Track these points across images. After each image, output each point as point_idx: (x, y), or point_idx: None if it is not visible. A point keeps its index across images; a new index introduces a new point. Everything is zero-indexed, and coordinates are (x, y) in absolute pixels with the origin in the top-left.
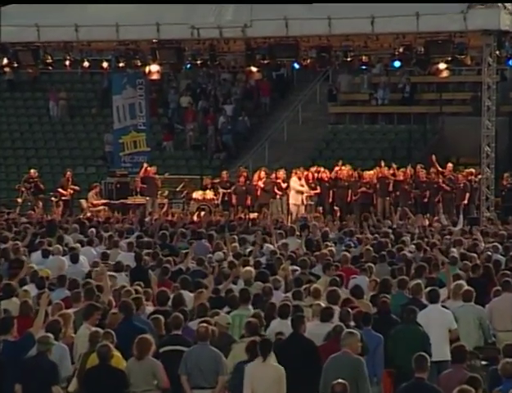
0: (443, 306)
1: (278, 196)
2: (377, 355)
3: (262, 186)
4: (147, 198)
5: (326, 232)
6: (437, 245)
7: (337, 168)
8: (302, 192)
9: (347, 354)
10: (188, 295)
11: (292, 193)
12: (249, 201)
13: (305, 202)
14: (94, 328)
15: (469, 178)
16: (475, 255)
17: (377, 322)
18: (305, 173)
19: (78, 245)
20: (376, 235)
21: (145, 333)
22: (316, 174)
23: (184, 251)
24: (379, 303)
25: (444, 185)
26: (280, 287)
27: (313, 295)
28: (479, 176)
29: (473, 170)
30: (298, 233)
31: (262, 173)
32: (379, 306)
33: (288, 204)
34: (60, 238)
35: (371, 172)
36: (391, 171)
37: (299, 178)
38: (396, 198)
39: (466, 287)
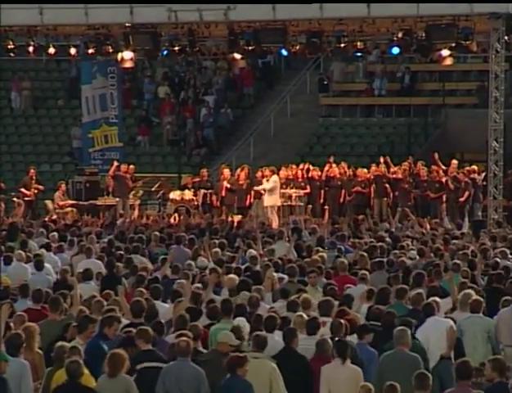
0: (449, 318)
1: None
2: (369, 373)
3: (227, 186)
4: (117, 199)
5: (322, 236)
6: (441, 250)
7: (326, 167)
8: (271, 190)
9: (402, 352)
10: (162, 306)
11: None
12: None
13: (293, 203)
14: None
15: (472, 176)
16: (483, 261)
17: (380, 335)
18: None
19: (44, 250)
20: (372, 239)
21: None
22: (305, 173)
23: (161, 257)
24: (383, 314)
25: (449, 184)
26: (264, 298)
27: (303, 306)
28: (483, 174)
29: (475, 167)
30: (287, 238)
31: (227, 171)
32: (384, 318)
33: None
34: (24, 243)
35: (366, 170)
36: (392, 168)
37: (263, 176)
38: (394, 199)
39: (474, 297)
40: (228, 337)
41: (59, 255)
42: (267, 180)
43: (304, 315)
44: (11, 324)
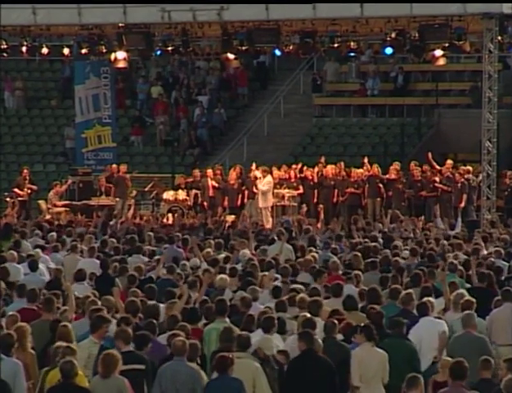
0: (439, 318)
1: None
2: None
3: (215, 185)
4: (117, 199)
5: (313, 236)
6: (435, 251)
7: (317, 168)
8: (266, 192)
9: (470, 334)
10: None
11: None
12: (225, 202)
13: (286, 203)
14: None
15: (467, 176)
16: (476, 261)
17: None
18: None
19: (39, 250)
20: (366, 239)
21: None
22: (298, 173)
23: (156, 257)
24: (371, 315)
25: (441, 184)
26: (259, 298)
27: (299, 306)
28: (480, 175)
29: (470, 168)
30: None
31: (209, 171)
32: (372, 318)
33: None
34: (17, 243)
35: (360, 170)
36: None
37: (256, 177)
38: (387, 199)
39: (466, 297)
40: (263, 344)
41: (53, 254)
42: (260, 181)
43: (308, 315)
44: (2, 324)
